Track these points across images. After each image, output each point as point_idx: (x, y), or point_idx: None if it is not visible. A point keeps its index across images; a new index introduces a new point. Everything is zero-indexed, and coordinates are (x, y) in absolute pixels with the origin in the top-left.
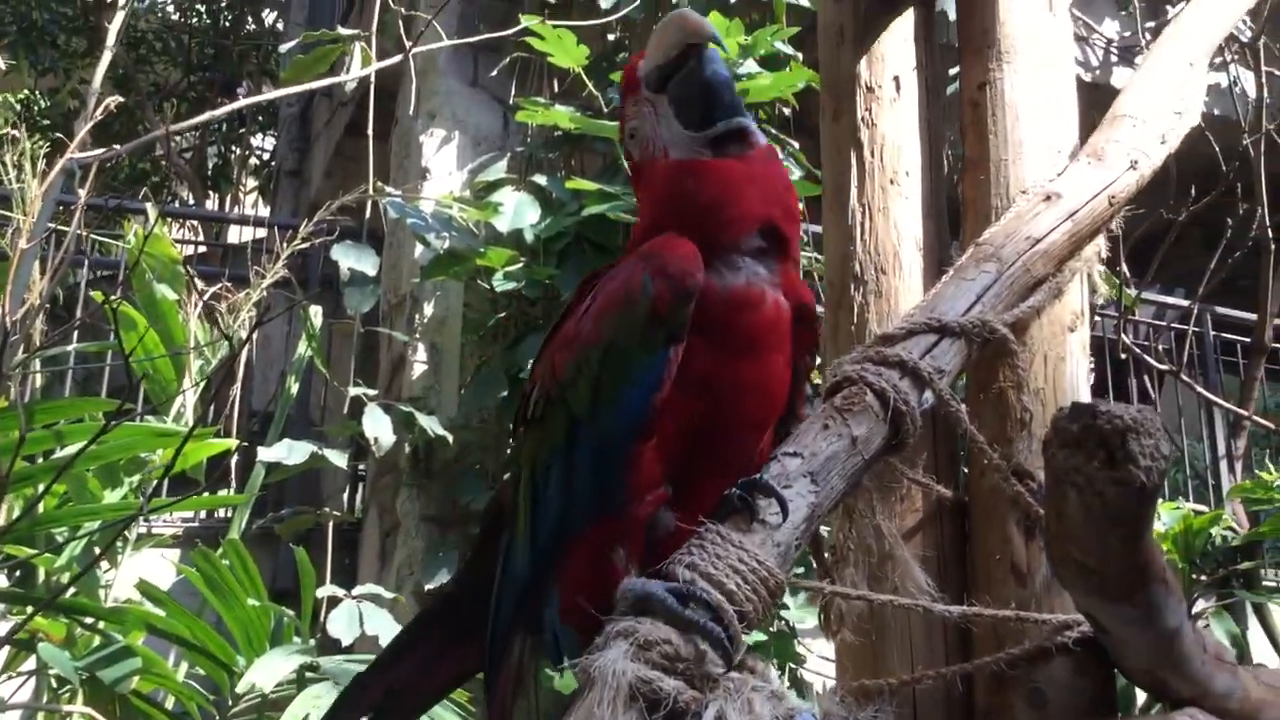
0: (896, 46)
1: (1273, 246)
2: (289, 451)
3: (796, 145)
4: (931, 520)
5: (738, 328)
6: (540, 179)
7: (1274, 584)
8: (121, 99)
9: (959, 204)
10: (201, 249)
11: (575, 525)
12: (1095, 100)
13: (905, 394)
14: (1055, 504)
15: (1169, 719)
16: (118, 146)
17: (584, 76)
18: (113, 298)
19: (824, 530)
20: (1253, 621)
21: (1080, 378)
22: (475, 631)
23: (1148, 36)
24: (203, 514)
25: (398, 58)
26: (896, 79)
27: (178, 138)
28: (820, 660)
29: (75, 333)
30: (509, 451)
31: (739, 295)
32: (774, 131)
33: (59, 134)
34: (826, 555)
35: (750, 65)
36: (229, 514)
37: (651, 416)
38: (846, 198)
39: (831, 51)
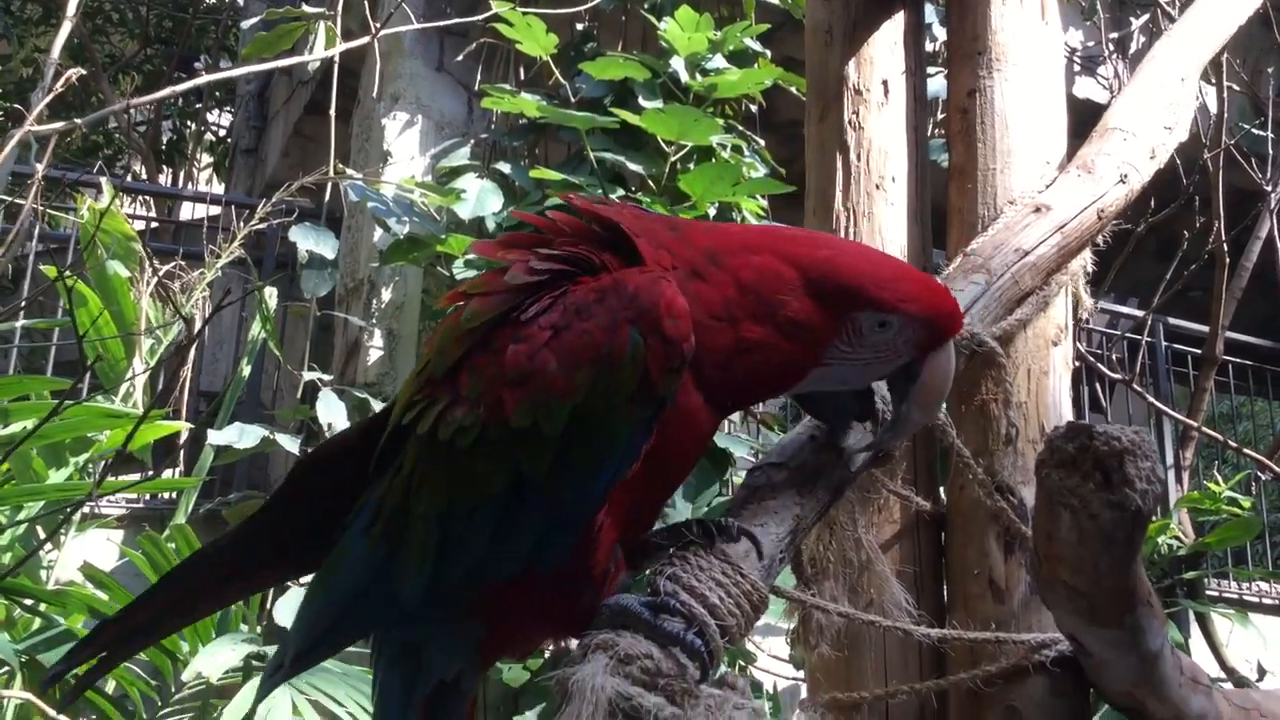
0: (885, 50)
1: (1227, 260)
2: (240, 435)
3: (762, 143)
4: (909, 533)
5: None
6: (504, 167)
7: (1216, 594)
8: (82, 70)
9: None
10: (154, 224)
11: (500, 575)
12: None
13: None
14: (1046, 524)
15: None
16: (77, 121)
17: (551, 65)
18: (66, 274)
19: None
20: (1195, 630)
21: (1062, 393)
22: (243, 581)
23: (1111, 47)
24: (149, 495)
25: (363, 40)
26: (885, 83)
27: (133, 111)
28: (771, 659)
29: (22, 308)
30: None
31: None
32: (740, 128)
33: (10, 103)
34: (806, 567)
35: (719, 61)
36: (176, 496)
37: (616, 488)
38: (831, 201)
39: (819, 52)
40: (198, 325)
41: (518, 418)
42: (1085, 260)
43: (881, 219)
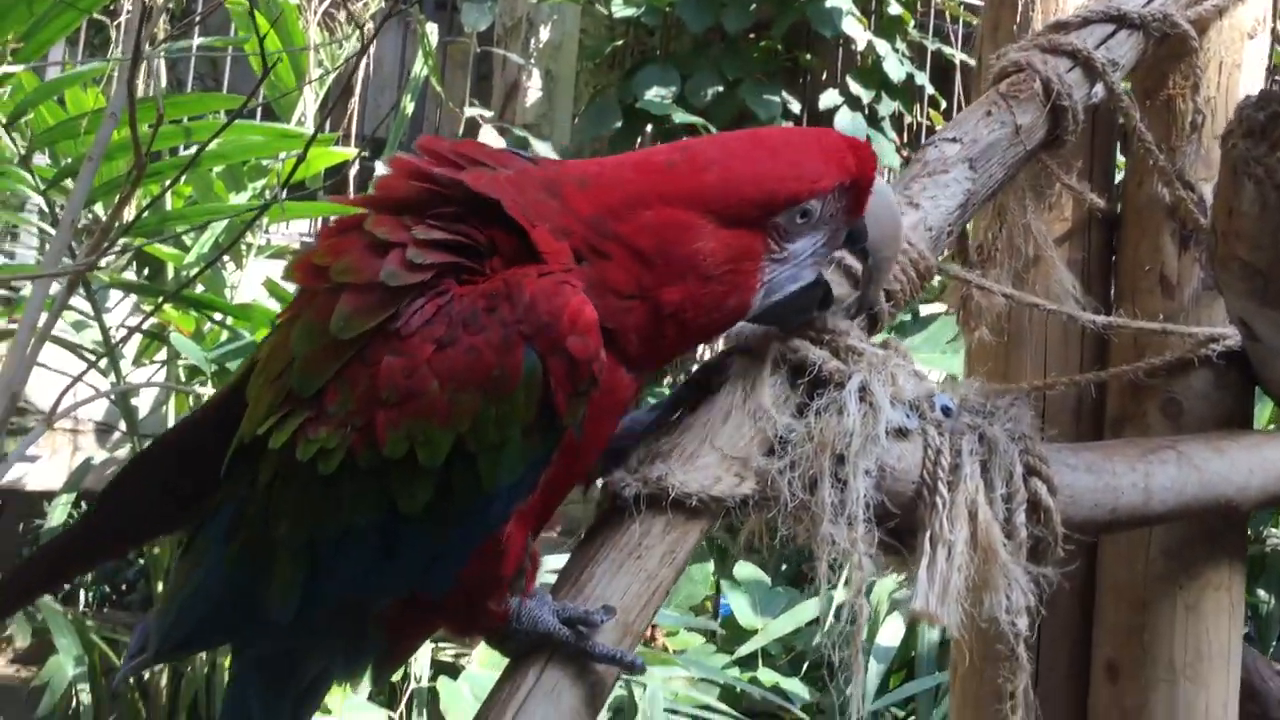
0: None
1: None
2: None
3: None
4: (1080, 230)
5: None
6: None
7: None
8: None
9: None
10: None
11: (384, 597)
12: None
13: (1070, 87)
14: (1228, 198)
15: None
16: None
17: None
18: None
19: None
20: None
21: (1255, 90)
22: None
23: None
24: (321, 225)
25: None
26: None
27: None
28: None
29: (196, 32)
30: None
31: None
32: None
33: None
34: (972, 254)
35: None
36: None
37: (509, 518)
38: None
39: None
40: (367, 39)
41: (391, 445)
42: None
43: None
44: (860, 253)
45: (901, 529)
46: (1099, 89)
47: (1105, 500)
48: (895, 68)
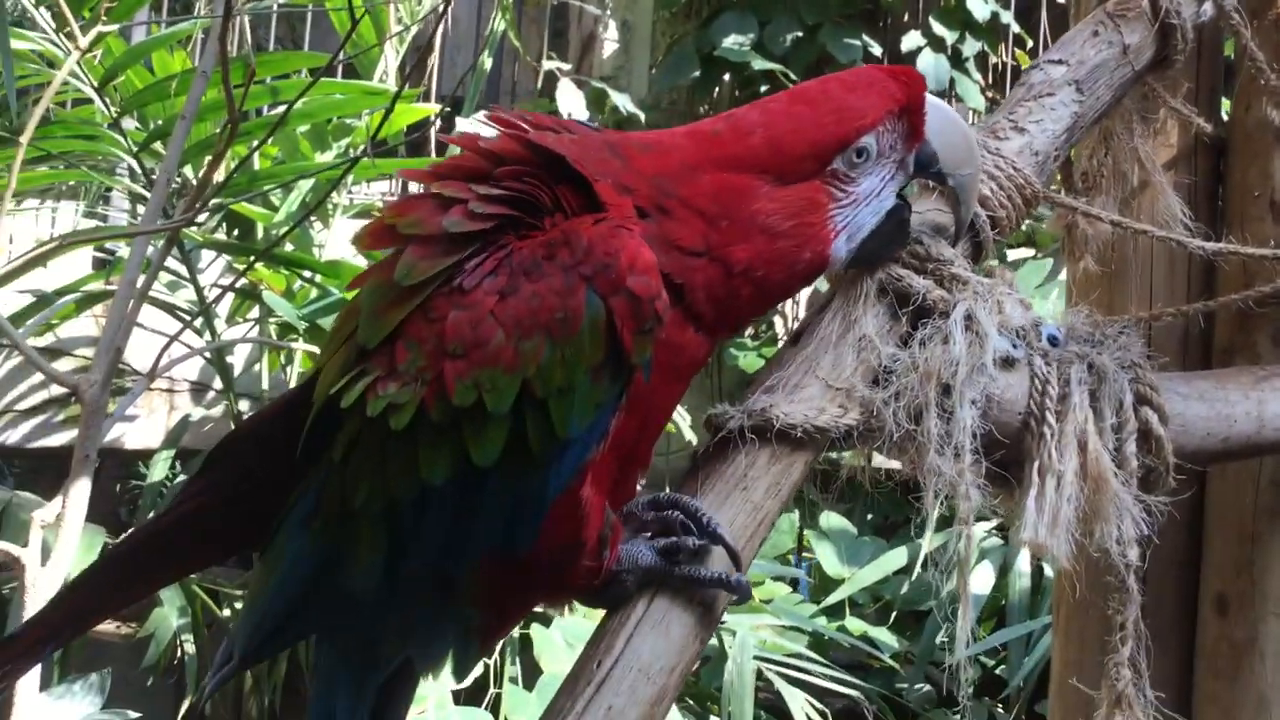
0: None
1: None
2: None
3: None
4: (1186, 156)
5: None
6: None
7: None
8: None
9: None
10: None
11: (465, 561)
12: None
13: (1179, 4)
14: None
15: None
16: None
17: None
18: None
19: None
20: None
21: None
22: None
23: None
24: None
25: None
26: None
27: None
28: None
29: None
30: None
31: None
32: None
33: None
34: (1077, 181)
35: None
36: None
37: (585, 470)
38: None
39: None
40: None
41: (459, 394)
42: None
43: None
44: (937, 176)
45: (1009, 460)
46: (1208, 7)
47: (1218, 429)
48: (979, 6)
